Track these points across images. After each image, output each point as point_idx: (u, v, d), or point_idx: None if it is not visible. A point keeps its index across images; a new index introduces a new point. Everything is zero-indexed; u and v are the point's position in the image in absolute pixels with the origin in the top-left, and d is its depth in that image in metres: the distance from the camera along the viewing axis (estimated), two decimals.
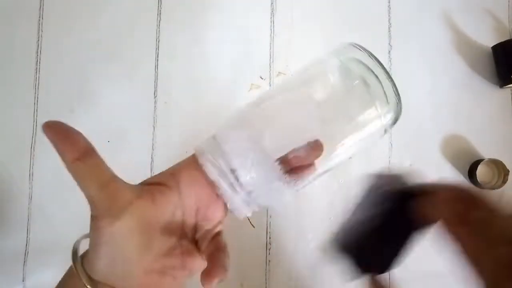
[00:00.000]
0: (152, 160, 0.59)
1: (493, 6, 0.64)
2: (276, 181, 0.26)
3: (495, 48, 0.62)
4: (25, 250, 0.57)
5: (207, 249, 0.28)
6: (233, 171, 0.26)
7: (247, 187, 0.26)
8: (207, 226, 0.28)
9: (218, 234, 0.29)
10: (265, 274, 0.58)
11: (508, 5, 0.65)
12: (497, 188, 0.59)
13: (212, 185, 0.27)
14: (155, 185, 0.27)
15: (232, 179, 0.26)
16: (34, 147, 0.59)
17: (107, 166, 0.24)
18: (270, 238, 0.59)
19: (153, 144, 0.60)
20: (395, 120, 0.29)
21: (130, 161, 0.59)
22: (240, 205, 0.27)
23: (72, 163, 0.22)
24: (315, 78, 0.29)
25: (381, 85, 0.28)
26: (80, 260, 0.25)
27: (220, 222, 0.29)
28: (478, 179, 0.59)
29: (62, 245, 0.57)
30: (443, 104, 0.62)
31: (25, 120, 0.59)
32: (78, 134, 0.23)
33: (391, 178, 0.26)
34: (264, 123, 0.28)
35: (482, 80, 0.63)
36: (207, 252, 0.28)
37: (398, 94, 0.28)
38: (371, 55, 0.28)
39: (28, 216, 0.58)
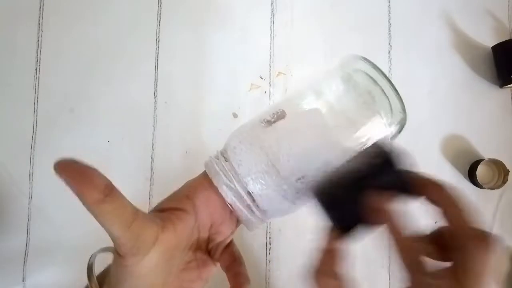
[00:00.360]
0: (152, 160, 0.59)
1: (493, 6, 0.64)
2: (288, 203, 0.27)
3: (495, 48, 0.62)
4: (25, 250, 0.57)
5: (223, 261, 0.28)
6: (249, 193, 0.27)
7: (263, 208, 0.27)
8: (220, 238, 0.29)
9: (230, 244, 0.30)
10: (265, 274, 0.58)
11: (508, 5, 0.65)
12: (497, 188, 0.59)
13: (225, 203, 0.27)
14: (174, 211, 0.26)
15: (249, 201, 0.27)
16: (34, 147, 0.59)
17: (128, 202, 0.23)
18: (270, 238, 0.59)
19: (153, 144, 0.60)
20: (400, 130, 0.29)
21: (130, 161, 0.59)
22: (256, 223, 0.28)
23: (96, 204, 0.21)
24: (323, 93, 0.29)
25: (387, 97, 0.28)
26: (96, 281, 0.25)
27: (232, 233, 0.30)
28: (478, 179, 0.59)
29: (62, 245, 0.58)
30: (443, 104, 0.62)
31: (25, 120, 0.59)
32: (95, 172, 0.21)
33: (392, 152, 0.25)
34: (278, 145, 0.27)
35: (482, 80, 0.63)
36: (224, 264, 0.28)
37: (403, 105, 0.29)
38: (375, 67, 0.29)
39: (28, 216, 0.58)
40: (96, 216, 0.21)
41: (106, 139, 0.59)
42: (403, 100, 0.29)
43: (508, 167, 0.59)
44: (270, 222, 0.59)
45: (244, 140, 0.27)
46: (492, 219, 0.61)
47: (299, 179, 0.26)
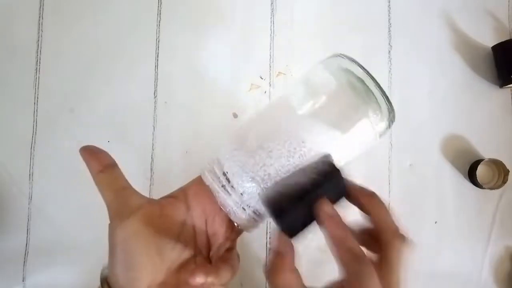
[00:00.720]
0: (152, 160, 0.59)
1: (493, 6, 0.64)
2: (256, 185, 0.27)
3: (495, 48, 0.62)
4: (25, 250, 0.57)
5: (214, 261, 0.29)
6: (225, 174, 0.28)
7: (238, 189, 0.27)
8: (218, 241, 0.29)
9: (229, 250, 0.30)
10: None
11: (508, 5, 0.65)
12: (497, 188, 0.59)
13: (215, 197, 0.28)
14: (165, 197, 0.29)
15: (224, 182, 0.28)
16: (34, 147, 0.59)
17: (124, 178, 0.28)
18: (270, 238, 0.59)
19: (153, 144, 0.60)
20: (388, 127, 0.30)
21: (130, 161, 0.59)
22: (235, 209, 0.28)
23: (96, 173, 0.27)
24: (305, 88, 0.30)
25: (372, 93, 0.28)
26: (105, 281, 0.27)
27: (228, 238, 0.30)
28: (478, 179, 0.59)
29: (62, 245, 0.58)
30: (443, 104, 0.62)
31: (25, 120, 0.59)
32: (104, 152, 0.29)
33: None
34: (249, 126, 0.30)
35: (482, 80, 0.63)
36: (213, 263, 0.29)
37: (390, 102, 0.29)
38: (360, 65, 0.29)
39: (28, 216, 0.58)
40: (96, 184, 0.27)
41: (106, 139, 0.59)
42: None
43: (508, 167, 0.59)
44: (270, 222, 0.59)
45: (233, 142, 0.30)
46: (492, 219, 0.61)
47: (267, 154, 0.27)
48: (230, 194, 0.28)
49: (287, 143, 0.27)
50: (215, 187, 0.28)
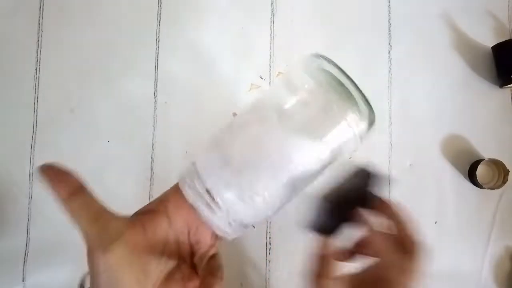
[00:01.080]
0: (152, 160, 0.59)
1: (493, 6, 0.64)
2: (242, 203, 0.27)
3: (495, 48, 0.62)
4: (25, 250, 0.57)
5: (201, 273, 0.29)
6: (208, 191, 0.27)
7: (223, 207, 0.27)
8: (202, 249, 0.29)
9: (213, 257, 0.29)
10: (265, 274, 0.58)
11: (508, 5, 0.65)
12: (497, 188, 0.59)
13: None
14: (145, 213, 0.28)
15: (208, 199, 0.27)
16: (34, 147, 0.59)
17: (98, 201, 0.25)
18: (270, 238, 0.59)
19: (153, 144, 0.60)
20: (369, 127, 0.29)
21: (130, 161, 0.59)
22: (220, 224, 0.28)
23: (65, 200, 0.24)
24: (282, 92, 0.30)
25: (351, 95, 0.28)
26: None
27: (212, 245, 0.29)
28: (478, 179, 0.59)
29: (62, 245, 0.58)
30: (443, 104, 0.62)
31: (25, 120, 0.59)
32: (68, 174, 0.24)
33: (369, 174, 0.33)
34: (232, 141, 0.28)
35: (482, 80, 0.63)
36: (201, 276, 0.29)
37: (369, 103, 0.29)
38: (337, 66, 0.28)
39: (28, 216, 0.58)
40: (67, 212, 0.24)
41: (106, 139, 0.59)
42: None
43: (508, 167, 0.59)
44: (270, 222, 0.59)
45: (207, 142, 0.29)
46: (492, 219, 0.61)
47: (253, 173, 0.27)
48: (215, 213, 0.27)
49: (274, 162, 0.27)
50: (199, 205, 0.27)
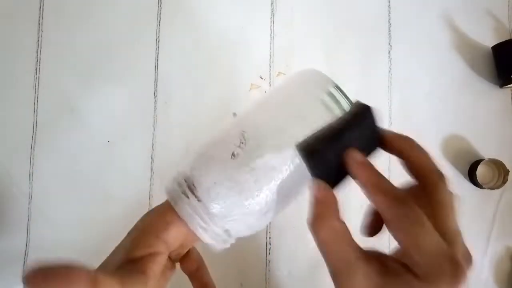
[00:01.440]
0: (152, 160, 0.59)
1: (493, 6, 0.64)
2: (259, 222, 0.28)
3: (495, 48, 0.62)
4: (25, 250, 0.57)
5: (186, 268, 0.30)
6: (226, 231, 0.28)
7: (224, 227, 0.27)
8: (184, 250, 0.30)
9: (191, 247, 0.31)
10: (265, 274, 0.58)
11: (508, 5, 0.65)
12: (497, 188, 0.59)
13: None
14: (148, 257, 0.25)
15: (226, 237, 0.28)
16: (34, 147, 0.59)
17: (117, 281, 0.21)
18: (270, 238, 0.59)
19: (153, 144, 0.60)
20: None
21: (130, 161, 0.59)
22: (217, 242, 0.28)
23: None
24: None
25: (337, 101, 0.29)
26: None
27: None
28: (478, 179, 0.59)
29: (62, 245, 0.58)
30: (443, 104, 0.62)
31: (25, 120, 0.59)
32: (74, 269, 0.19)
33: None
34: (259, 189, 0.27)
35: (482, 80, 0.63)
36: (187, 270, 0.30)
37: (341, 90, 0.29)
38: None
39: (28, 216, 0.58)
40: None
41: (106, 139, 0.59)
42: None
43: (508, 167, 0.59)
44: (270, 222, 0.59)
45: (219, 183, 0.26)
46: (492, 219, 0.61)
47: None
48: (217, 235, 0.27)
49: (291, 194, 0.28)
50: (200, 231, 0.26)
